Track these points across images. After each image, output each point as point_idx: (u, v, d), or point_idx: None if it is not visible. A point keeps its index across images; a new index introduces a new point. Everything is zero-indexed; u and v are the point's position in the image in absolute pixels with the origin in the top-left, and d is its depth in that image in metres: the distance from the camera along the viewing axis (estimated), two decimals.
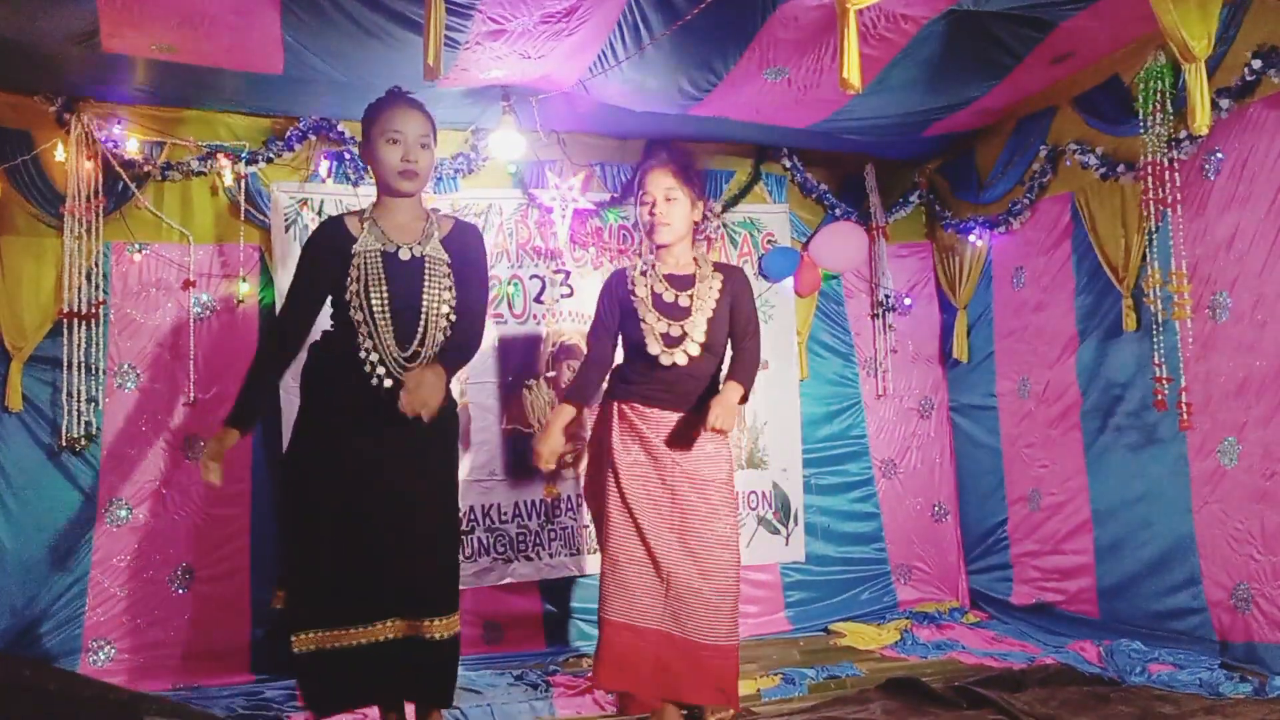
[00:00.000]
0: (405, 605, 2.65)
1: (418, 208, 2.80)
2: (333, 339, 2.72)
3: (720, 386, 3.05)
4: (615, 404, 3.05)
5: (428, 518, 2.69)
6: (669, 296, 3.05)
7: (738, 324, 3.13)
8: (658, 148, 4.47)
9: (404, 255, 2.69)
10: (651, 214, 3.04)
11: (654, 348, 2.99)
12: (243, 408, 2.67)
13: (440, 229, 2.79)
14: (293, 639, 2.60)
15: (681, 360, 2.99)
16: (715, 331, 3.05)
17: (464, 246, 2.81)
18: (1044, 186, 4.25)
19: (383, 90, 2.81)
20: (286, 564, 2.72)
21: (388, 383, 2.61)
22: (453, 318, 2.73)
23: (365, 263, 2.65)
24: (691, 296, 3.06)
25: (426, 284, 2.68)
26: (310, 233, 2.83)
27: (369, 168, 2.80)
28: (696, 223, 3.18)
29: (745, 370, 3.05)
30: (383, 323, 2.62)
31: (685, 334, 3.01)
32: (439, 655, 2.68)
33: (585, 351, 3.24)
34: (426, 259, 2.71)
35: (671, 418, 3.00)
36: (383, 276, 2.64)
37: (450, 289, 2.73)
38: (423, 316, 2.67)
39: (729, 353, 3.15)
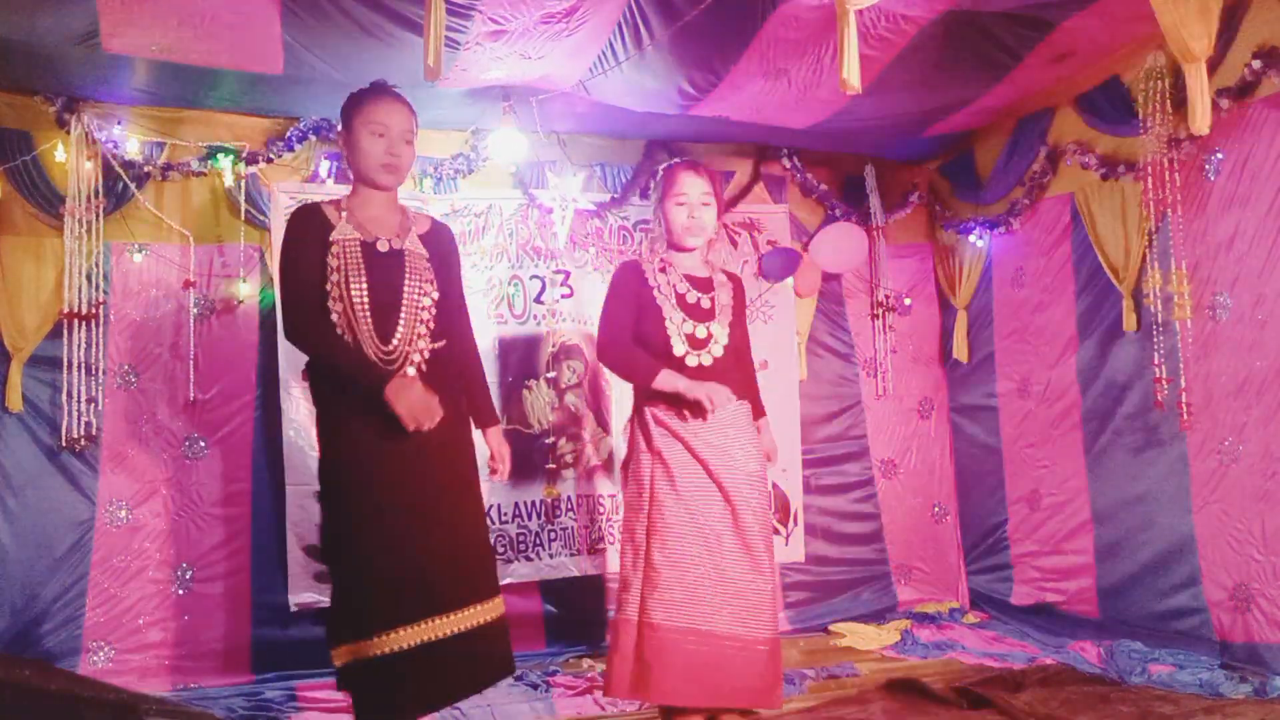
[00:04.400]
0: (459, 597, 2.60)
1: (393, 202, 2.78)
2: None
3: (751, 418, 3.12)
4: (648, 408, 3.00)
5: (464, 508, 2.69)
6: (691, 297, 3.02)
7: (741, 342, 3.14)
8: (658, 149, 4.49)
9: (382, 247, 2.65)
10: (691, 217, 3.02)
11: (679, 348, 2.96)
12: (364, 364, 2.55)
13: (418, 225, 2.78)
14: (338, 649, 2.52)
15: (706, 361, 2.98)
16: (734, 335, 3.06)
17: (442, 247, 2.81)
18: (1044, 187, 4.25)
19: None
20: (331, 575, 2.65)
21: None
22: (434, 310, 2.70)
23: (344, 251, 2.61)
24: (713, 299, 3.05)
25: (408, 278, 2.66)
26: (288, 222, 2.73)
27: (346, 157, 2.75)
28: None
29: (759, 399, 3.20)
30: (362, 315, 2.58)
31: (711, 336, 3.00)
32: (499, 633, 2.68)
33: (598, 348, 3.11)
34: (406, 253, 2.68)
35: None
36: (362, 267, 2.60)
37: (432, 282, 2.71)
38: (403, 311, 2.63)
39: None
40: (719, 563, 2.86)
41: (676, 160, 3.22)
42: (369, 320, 2.59)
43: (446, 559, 2.61)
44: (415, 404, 2.50)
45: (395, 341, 2.61)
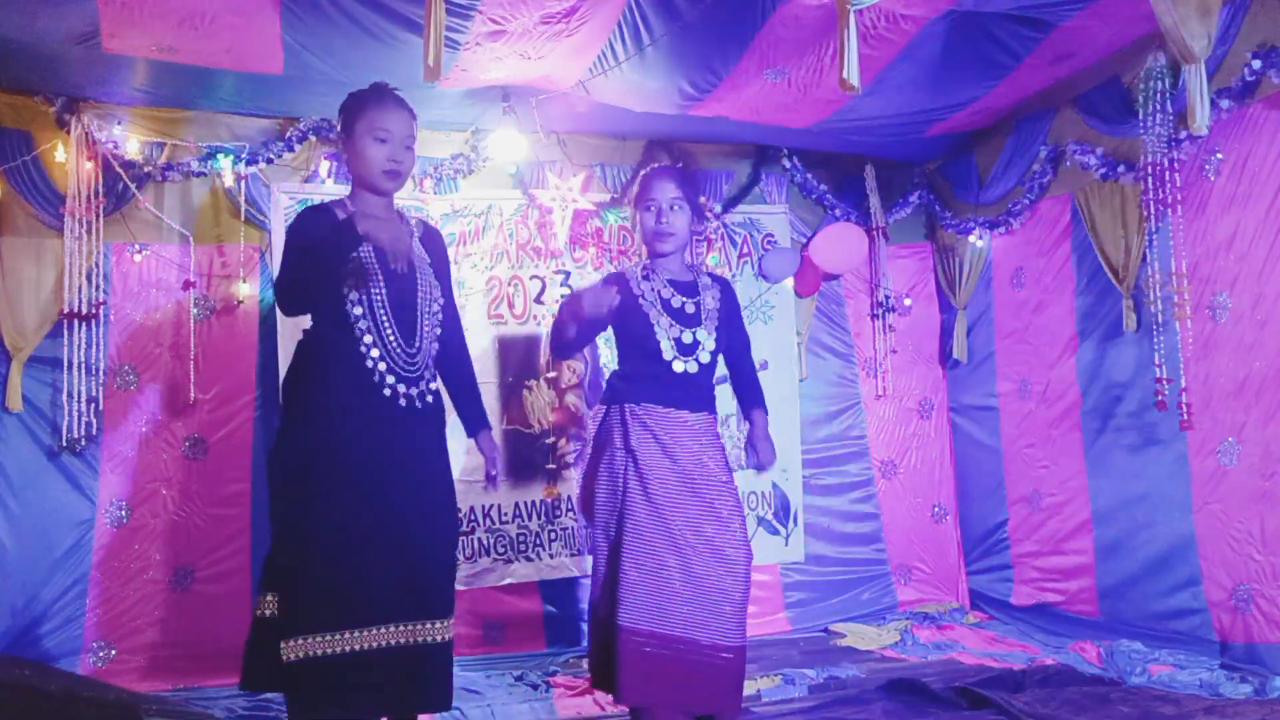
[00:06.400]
0: (408, 608, 2.58)
1: (392, 206, 2.79)
2: (322, 339, 2.66)
3: (748, 415, 3.15)
4: (625, 406, 2.98)
5: (433, 519, 2.66)
6: (676, 302, 3.03)
7: (736, 339, 3.14)
8: (658, 149, 4.49)
9: None
10: (659, 222, 3.02)
11: (668, 353, 2.97)
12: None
13: (415, 230, 2.80)
14: (284, 644, 2.47)
15: (693, 368, 2.98)
16: (720, 339, 3.06)
17: (437, 251, 2.84)
18: (1044, 187, 4.25)
19: None
20: (281, 568, 2.60)
21: (390, 380, 2.58)
22: (441, 314, 2.74)
23: (361, 256, 2.61)
24: (698, 304, 3.06)
25: (420, 282, 2.69)
26: (297, 216, 2.70)
27: (346, 159, 2.74)
28: (694, 231, 3.21)
29: (760, 394, 3.21)
30: (385, 319, 2.60)
31: (697, 341, 3.01)
32: (443, 657, 2.64)
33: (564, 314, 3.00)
34: (414, 257, 2.70)
35: (686, 417, 2.97)
36: (379, 272, 2.62)
37: (437, 286, 2.75)
38: (418, 314, 2.67)
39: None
40: (689, 566, 2.84)
41: (652, 167, 3.24)
42: (393, 323, 2.61)
43: (413, 569, 2.59)
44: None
45: (417, 343, 2.65)
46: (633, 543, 2.85)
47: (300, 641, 2.48)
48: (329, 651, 2.49)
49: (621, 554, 2.86)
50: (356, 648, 2.51)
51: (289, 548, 2.59)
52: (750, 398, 3.19)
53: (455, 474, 2.86)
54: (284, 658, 2.48)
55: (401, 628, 2.57)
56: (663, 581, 2.83)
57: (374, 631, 2.53)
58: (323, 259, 2.53)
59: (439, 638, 2.63)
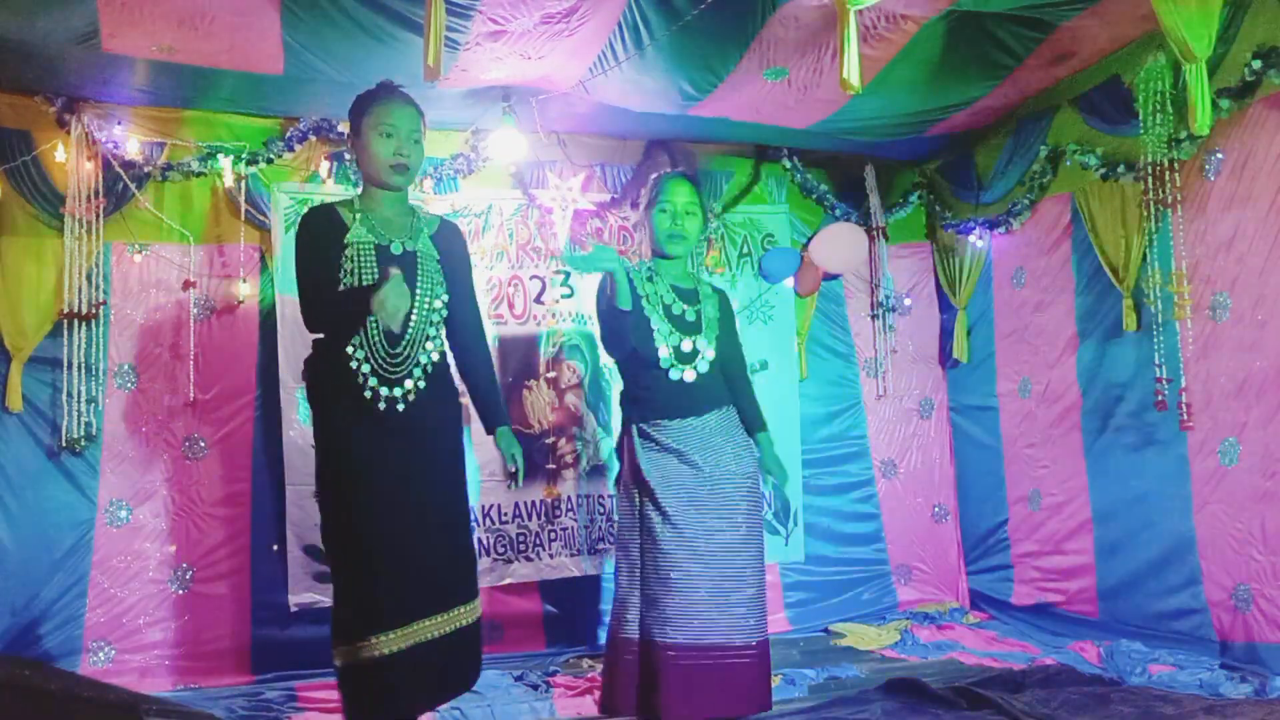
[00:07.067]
0: (429, 603, 2.60)
1: (404, 202, 2.78)
2: (324, 345, 2.66)
3: (748, 430, 3.14)
4: (634, 427, 3.00)
5: (449, 510, 2.69)
6: (677, 309, 3.04)
7: (733, 354, 3.15)
8: (658, 149, 4.49)
9: (396, 249, 2.65)
10: (675, 223, 3.04)
11: (666, 361, 2.98)
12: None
13: (428, 226, 2.78)
14: (335, 649, 2.53)
15: (690, 377, 2.99)
16: (720, 349, 3.07)
17: (452, 246, 2.82)
18: (1044, 187, 4.25)
19: None
20: (345, 584, 2.63)
21: (371, 381, 2.57)
22: (444, 312, 2.71)
23: (359, 254, 2.61)
24: (699, 312, 3.06)
25: (420, 280, 2.66)
26: (301, 220, 2.73)
27: (355, 158, 2.76)
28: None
29: (760, 412, 3.21)
30: (371, 317, 2.57)
31: (697, 350, 3.01)
32: (476, 638, 2.71)
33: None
34: (419, 254, 2.69)
35: (695, 423, 2.98)
36: (375, 270, 2.59)
37: (442, 284, 2.72)
38: (414, 313, 2.63)
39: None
40: (711, 574, 2.87)
41: (667, 171, 3.26)
42: (379, 321, 2.57)
43: (439, 561, 2.63)
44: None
45: (402, 345, 2.61)
46: (654, 560, 2.87)
47: (346, 647, 2.54)
48: (368, 655, 2.51)
49: (646, 573, 2.89)
50: (384, 651, 2.51)
51: (333, 557, 2.65)
52: (750, 416, 3.18)
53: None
54: (335, 661, 2.54)
55: (427, 623, 2.59)
56: (687, 592, 2.84)
57: (400, 633, 2.54)
58: (324, 259, 2.56)
59: (470, 620, 2.68)
